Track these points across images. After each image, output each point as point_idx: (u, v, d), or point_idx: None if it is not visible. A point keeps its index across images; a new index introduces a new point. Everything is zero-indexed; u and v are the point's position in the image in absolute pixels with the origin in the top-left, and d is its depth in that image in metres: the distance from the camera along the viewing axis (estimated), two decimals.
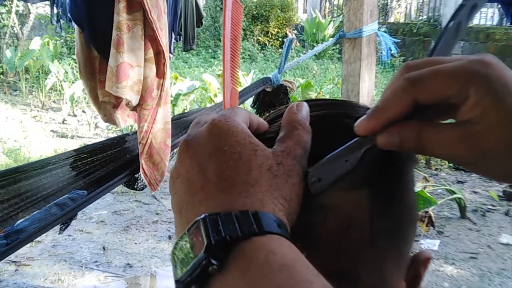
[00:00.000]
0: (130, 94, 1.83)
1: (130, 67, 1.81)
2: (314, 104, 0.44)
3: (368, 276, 0.40)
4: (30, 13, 9.25)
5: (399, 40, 3.77)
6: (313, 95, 6.20)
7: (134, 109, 1.95)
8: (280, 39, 11.33)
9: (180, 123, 2.19)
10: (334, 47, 10.41)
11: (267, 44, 11.20)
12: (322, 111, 0.44)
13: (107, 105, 2.05)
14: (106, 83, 1.82)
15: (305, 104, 0.42)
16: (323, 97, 5.93)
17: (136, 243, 3.68)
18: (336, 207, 0.39)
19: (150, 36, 1.86)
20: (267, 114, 0.48)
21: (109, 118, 2.10)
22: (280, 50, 10.95)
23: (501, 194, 4.67)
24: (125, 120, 2.14)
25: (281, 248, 0.31)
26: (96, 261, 3.40)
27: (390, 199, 0.42)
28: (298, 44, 11.06)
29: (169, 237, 3.79)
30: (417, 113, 0.38)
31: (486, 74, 0.35)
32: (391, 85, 0.39)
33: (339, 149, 0.39)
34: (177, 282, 0.32)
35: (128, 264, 3.37)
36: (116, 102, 2.04)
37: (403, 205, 0.44)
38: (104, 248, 3.58)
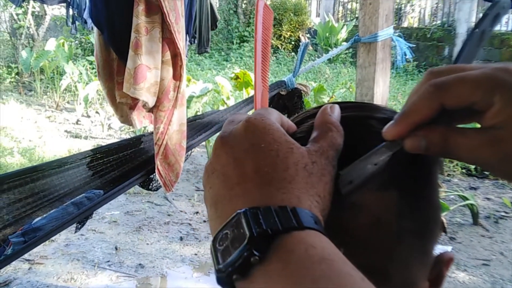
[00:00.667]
0: (147, 95, 1.85)
1: (148, 69, 1.83)
2: (342, 106, 0.46)
3: (397, 273, 0.42)
4: (46, 14, 9.36)
5: (413, 45, 3.76)
6: (325, 99, 6.20)
7: (150, 110, 1.97)
8: (293, 42, 11.34)
9: (195, 125, 2.21)
10: (347, 51, 10.39)
11: (280, 48, 11.22)
12: (349, 112, 0.46)
13: (124, 106, 2.07)
14: (124, 85, 1.84)
15: (337, 106, 0.44)
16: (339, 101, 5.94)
17: (148, 244, 3.71)
18: (365, 206, 0.41)
19: (168, 39, 1.88)
20: (293, 116, 0.49)
21: (126, 119, 2.13)
22: (292, 53, 10.96)
23: None
24: (141, 121, 2.17)
25: (320, 242, 0.33)
26: (108, 261, 3.43)
27: (417, 200, 0.44)
28: (310, 48, 11.05)
29: (181, 239, 3.81)
30: (441, 118, 0.39)
31: (510, 82, 0.37)
32: (416, 91, 0.40)
33: (369, 152, 0.41)
34: (218, 271, 0.33)
35: (140, 264, 3.40)
36: (133, 103, 2.06)
37: (429, 206, 0.45)
38: (116, 248, 3.61)
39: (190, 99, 5.94)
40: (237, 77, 5.98)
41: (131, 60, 1.81)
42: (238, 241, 0.33)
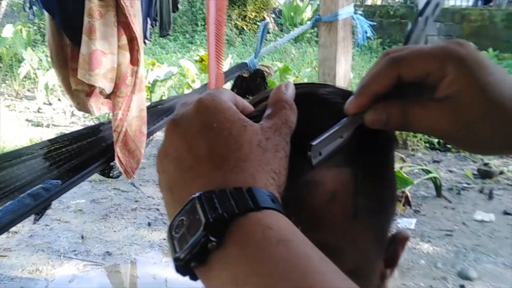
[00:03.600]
0: (103, 81, 1.80)
1: (103, 54, 1.78)
2: (296, 85, 0.46)
3: (351, 252, 0.42)
4: None
5: (375, 23, 3.78)
6: (291, 78, 6.21)
7: (108, 97, 1.92)
8: (258, 23, 11.25)
9: (155, 111, 2.17)
10: (312, 30, 10.37)
11: (245, 29, 11.13)
12: (301, 90, 0.46)
13: (80, 93, 2.02)
14: (79, 71, 1.79)
15: (292, 84, 0.44)
16: (302, 81, 5.97)
17: (115, 231, 3.67)
18: (321, 183, 0.41)
19: (123, 23, 1.83)
20: (249, 98, 0.49)
21: (83, 107, 2.07)
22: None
23: (475, 172, 4.78)
24: (99, 108, 2.12)
25: (277, 222, 0.32)
26: (74, 250, 3.38)
27: (372, 178, 0.44)
28: (276, 28, 11.01)
29: (149, 224, 3.78)
30: (397, 94, 0.41)
31: (460, 52, 0.39)
32: (374, 66, 0.42)
33: (334, 126, 0.41)
34: (176, 259, 0.32)
35: (107, 252, 3.36)
36: (90, 90, 2.01)
37: (384, 184, 0.46)
38: (82, 237, 3.56)
39: (154, 83, 5.86)
40: (202, 60, 5.91)
41: (85, 45, 1.76)
42: (194, 227, 0.32)
